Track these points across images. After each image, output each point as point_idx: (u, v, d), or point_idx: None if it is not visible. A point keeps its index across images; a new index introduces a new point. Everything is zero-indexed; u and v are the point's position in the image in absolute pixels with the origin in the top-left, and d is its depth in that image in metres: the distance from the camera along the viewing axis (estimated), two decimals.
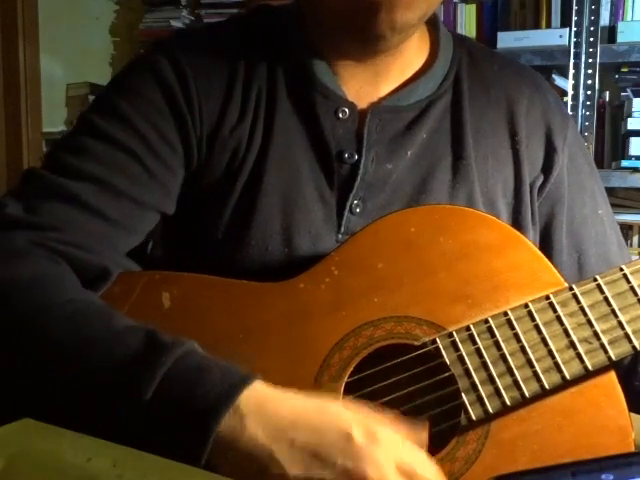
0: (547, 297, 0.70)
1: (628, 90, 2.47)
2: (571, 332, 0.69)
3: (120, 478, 0.44)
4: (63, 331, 0.63)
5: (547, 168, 0.86)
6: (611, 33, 2.48)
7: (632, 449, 0.67)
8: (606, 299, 0.70)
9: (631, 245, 2.54)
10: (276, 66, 0.83)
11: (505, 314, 0.70)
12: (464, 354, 0.69)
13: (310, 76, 0.82)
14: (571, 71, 2.46)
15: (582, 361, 0.68)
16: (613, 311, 0.70)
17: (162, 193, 0.80)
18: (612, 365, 0.69)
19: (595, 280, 0.71)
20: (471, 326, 0.70)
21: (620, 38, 2.43)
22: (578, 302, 0.70)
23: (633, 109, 2.42)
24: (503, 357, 0.69)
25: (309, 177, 0.81)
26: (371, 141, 0.81)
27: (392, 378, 0.69)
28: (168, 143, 0.79)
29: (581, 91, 2.45)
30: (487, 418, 0.68)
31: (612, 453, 0.61)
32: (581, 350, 0.69)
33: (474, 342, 0.69)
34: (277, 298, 0.72)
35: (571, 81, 2.46)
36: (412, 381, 0.69)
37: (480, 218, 0.75)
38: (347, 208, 0.81)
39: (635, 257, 0.81)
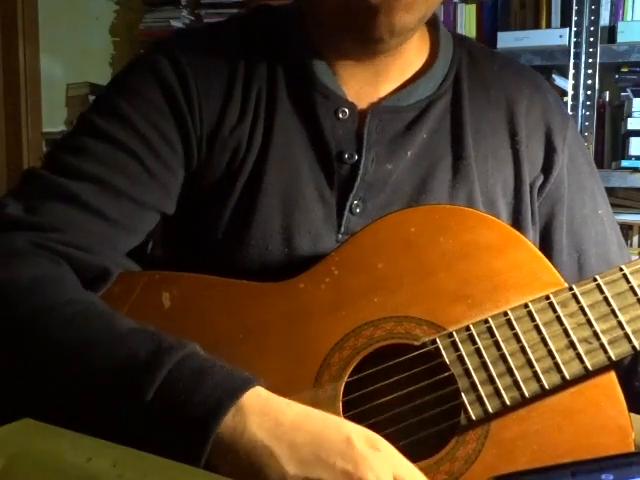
0: (547, 297, 0.70)
1: (628, 90, 2.47)
2: (571, 332, 0.69)
3: (120, 478, 0.44)
4: (63, 332, 0.63)
5: (547, 168, 0.86)
6: (611, 33, 2.49)
7: (632, 449, 0.67)
8: (606, 299, 0.70)
9: (631, 245, 2.54)
10: (276, 66, 0.83)
11: (505, 314, 0.70)
12: (464, 354, 0.69)
13: (310, 76, 0.82)
14: (571, 71, 2.46)
15: (582, 361, 0.69)
16: (613, 311, 0.70)
17: (162, 193, 0.80)
18: (612, 365, 0.69)
19: (595, 280, 0.71)
20: (471, 326, 0.70)
21: (620, 38, 2.43)
22: (578, 302, 0.70)
23: (633, 109, 2.42)
24: (503, 357, 0.69)
25: (309, 177, 0.81)
26: (371, 141, 0.81)
27: (392, 378, 0.69)
28: (168, 143, 0.79)
29: (581, 91, 2.45)
30: (487, 418, 0.68)
31: (612, 453, 0.61)
32: (581, 350, 0.69)
33: (474, 342, 0.69)
34: (277, 298, 0.72)
35: (571, 81, 2.46)
36: (412, 381, 0.69)
37: (480, 218, 0.75)
38: (347, 208, 0.81)
39: (635, 257, 0.81)
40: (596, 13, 2.44)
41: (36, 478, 0.46)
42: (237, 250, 0.79)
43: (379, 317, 0.70)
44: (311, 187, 0.81)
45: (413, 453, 0.62)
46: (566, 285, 0.71)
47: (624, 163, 2.40)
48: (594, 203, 0.88)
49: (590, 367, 0.68)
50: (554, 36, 2.48)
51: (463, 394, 0.68)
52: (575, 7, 2.44)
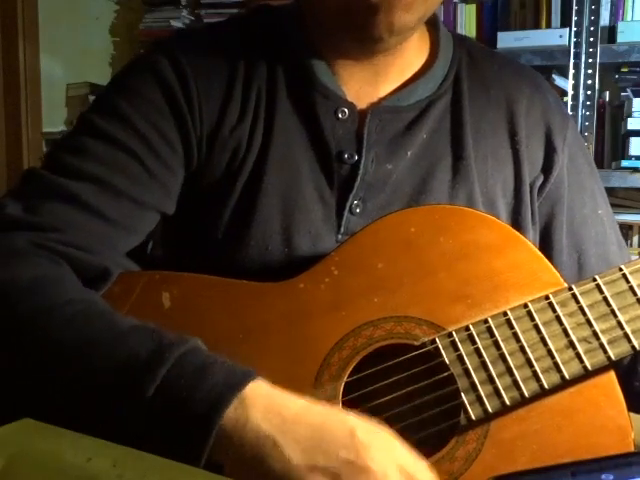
0: (546, 297, 0.70)
1: (628, 90, 2.47)
2: (570, 332, 0.69)
3: (120, 478, 0.44)
4: (64, 332, 0.63)
5: (547, 168, 0.86)
6: (611, 33, 2.48)
7: (631, 449, 0.67)
8: (605, 299, 0.70)
9: (631, 245, 2.54)
10: (276, 66, 0.83)
11: (504, 314, 0.70)
12: (463, 354, 0.69)
13: (310, 76, 0.82)
14: (571, 71, 2.46)
15: (581, 361, 0.69)
16: (612, 311, 0.70)
17: (162, 193, 0.80)
18: (611, 365, 0.69)
19: (594, 280, 0.71)
20: (470, 326, 0.70)
21: (620, 38, 2.43)
22: (577, 302, 0.70)
23: (633, 109, 2.42)
24: (502, 357, 0.69)
25: (309, 177, 0.81)
26: (371, 141, 0.81)
27: (392, 378, 0.69)
28: (168, 143, 0.79)
29: (581, 91, 2.45)
30: (486, 418, 0.68)
31: (612, 453, 0.61)
32: (580, 350, 0.69)
33: (473, 342, 0.69)
34: (277, 298, 0.72)
35: (571, 81, 2.46)
36: (412, 381, 0.69)
37: (480, 218, 0.75)
38: (347, 208, 0.81)
39: (635, 257, 0.81)
40: (596, 13, 2.44)
41: (36, 478, 0.46)
42: (237, 250, 0.80)
43: (379, 317, 0.70)
44: (311, 187, 0.81)
45: None
46: (566, 285, 0.71)
47: (624, 163, 2.40)
48: (594, 203, 0.88)
49: (589, 367, 0.68)
50: (554, 36, 2.48)
51: (463, 394, 0.68)
52: (575, 7, 2.44)
